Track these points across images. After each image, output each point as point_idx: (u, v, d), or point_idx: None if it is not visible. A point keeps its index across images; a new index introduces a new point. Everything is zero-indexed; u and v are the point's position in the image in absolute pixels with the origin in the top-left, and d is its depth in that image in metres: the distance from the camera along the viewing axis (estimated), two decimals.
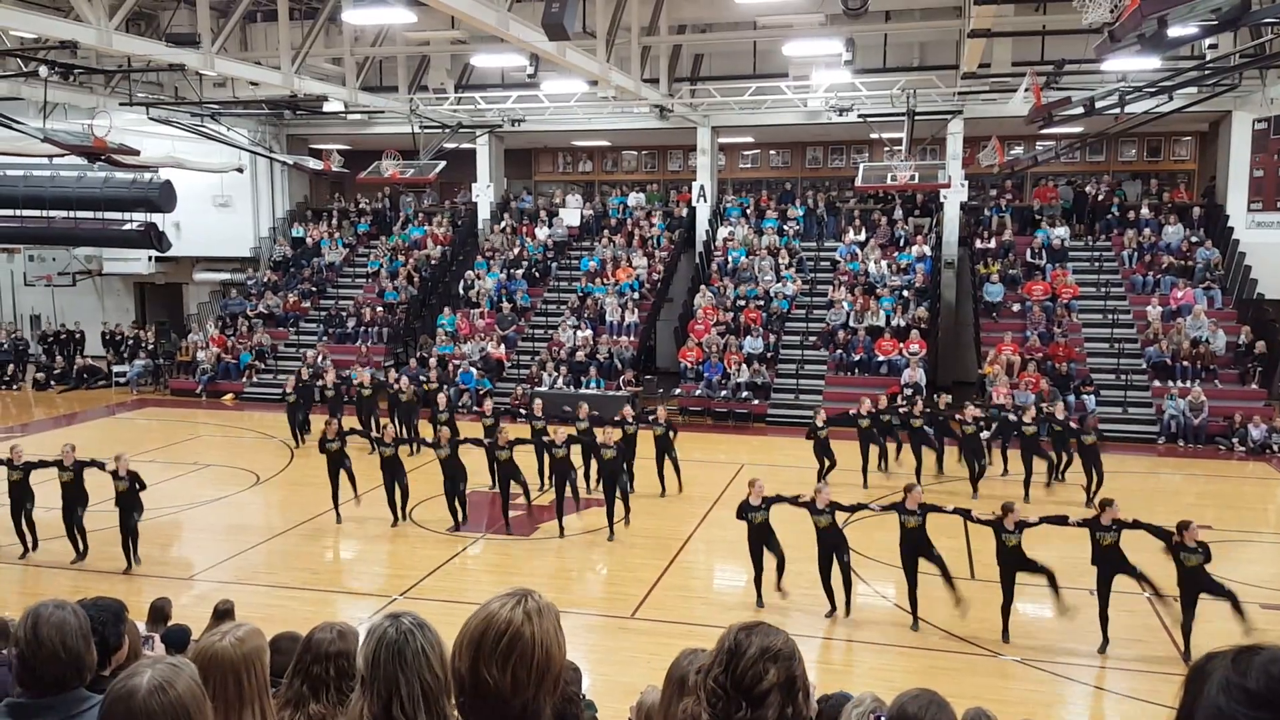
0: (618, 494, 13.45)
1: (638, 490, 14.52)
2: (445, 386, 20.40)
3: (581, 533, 13.61)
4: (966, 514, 10.58)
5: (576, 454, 14.16)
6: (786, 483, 11.76)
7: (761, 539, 10.72)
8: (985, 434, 15.93)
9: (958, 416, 15.99)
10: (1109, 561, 9.69)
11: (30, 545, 12.52)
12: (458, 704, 2.05)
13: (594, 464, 15.31)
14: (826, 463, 15.56)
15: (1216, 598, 9.40)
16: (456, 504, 13.50)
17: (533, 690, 1.98)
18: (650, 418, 15.50)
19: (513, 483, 13.85)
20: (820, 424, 15.53)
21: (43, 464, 12.30)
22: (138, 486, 11.96)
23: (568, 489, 13.59)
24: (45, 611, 2.62)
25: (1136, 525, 9.66)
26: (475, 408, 16.95)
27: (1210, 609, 9.51)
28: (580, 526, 13.72)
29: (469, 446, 13.85)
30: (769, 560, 10.78)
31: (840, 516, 10.59)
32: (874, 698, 3.38)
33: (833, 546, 10.47)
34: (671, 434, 15.20)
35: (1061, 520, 10.16)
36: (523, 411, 16.25)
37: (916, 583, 10.23)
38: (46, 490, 12.47)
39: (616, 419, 15.14)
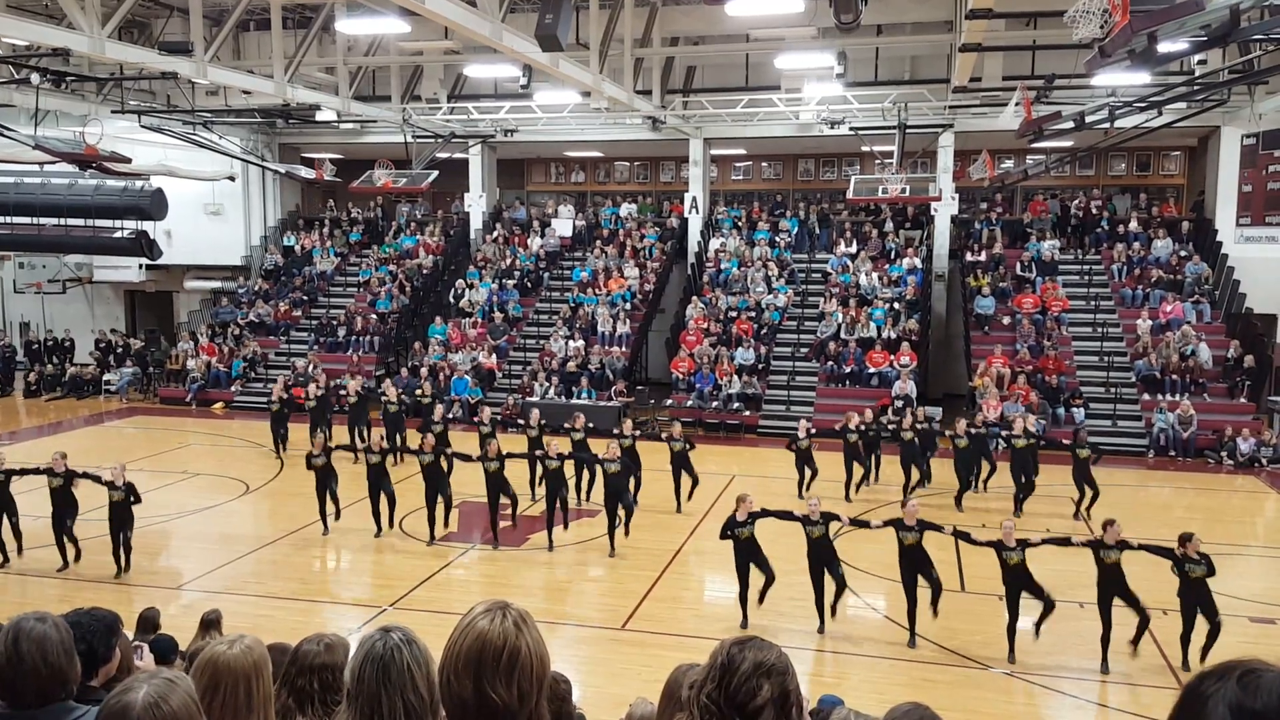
0: (619, 509, 13.18)
1: (646, 504, 14.40)
2: (440, 397, 20.34)
3: (571, 545, 13.56)
4: (966, 536, 10.31)
5: (562, 466, 13.94)
6: (777, 494, 11.75)
7: (748, 555, 10.60)
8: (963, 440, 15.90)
9: (948, 432, 15.97)
10: (1112, 581, 9.68)
11: (5, 556, 12.44)
12: None
13: (586, 476, 15.25)
14: (808, 473, 15.51)
15: (1207, 618, 9.45)
16: (439, 513, 13.42)
17: (535, 699, 2.00)
18: (664, 435, 15.40)
19: (502, 495, 13.57)
20: (802, 435, 15.48)
21: (29, 471, 12.19)
22: (132, 499, 11.86)
23: (557, 502, 13.37)
24: (26, 626, 2.57)
25: (1142, 548, 9.71)
26: (475, 418, 16.89)
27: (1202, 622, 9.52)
28: (570, 538, 13.65)
29: (459, 460, 13.78)
30: (756, 578, 10.61)
31: (833, 527, 10.52)
32: (856, 714, 3.36)
33: (825, 560, 10.42)
34: (689, 448, 15.13)
35: (1064, 541, 10.16)
36: (519, 421, 16.16)
37: (916, 600, 10.14)
38: (36, 499, 12.40)
39: (616, 432, 15.07)
